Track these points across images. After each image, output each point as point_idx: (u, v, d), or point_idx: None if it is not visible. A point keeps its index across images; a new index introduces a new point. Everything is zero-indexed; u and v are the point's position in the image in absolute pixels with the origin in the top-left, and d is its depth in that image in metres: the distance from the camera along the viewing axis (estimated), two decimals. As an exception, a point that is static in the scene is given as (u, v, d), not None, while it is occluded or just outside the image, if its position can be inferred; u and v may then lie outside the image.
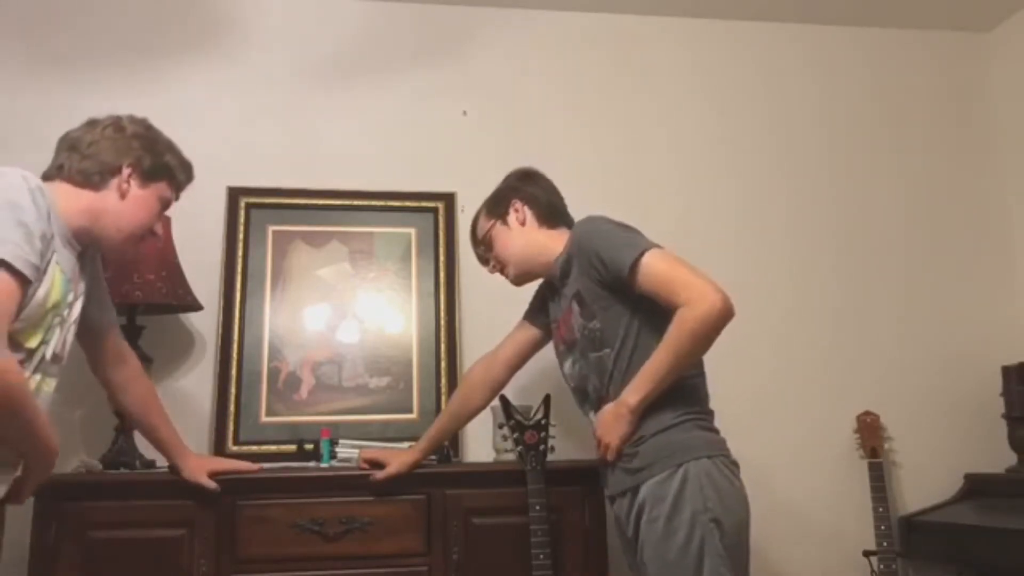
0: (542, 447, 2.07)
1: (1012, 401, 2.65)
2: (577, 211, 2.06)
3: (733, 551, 1.71)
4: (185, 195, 1.87)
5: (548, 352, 2.12)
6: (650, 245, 1.82)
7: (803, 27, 3.05)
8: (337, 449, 2.22)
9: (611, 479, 1.89)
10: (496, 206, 2.09)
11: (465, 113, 2.81)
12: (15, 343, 1.46)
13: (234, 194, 2.59)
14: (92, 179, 1.65)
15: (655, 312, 1.78)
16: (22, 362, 1.50)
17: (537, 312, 2.15)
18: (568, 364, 1.99)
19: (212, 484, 1.98)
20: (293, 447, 2.37)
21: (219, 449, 2.38)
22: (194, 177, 1.85)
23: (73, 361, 1.75)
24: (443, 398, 2.49)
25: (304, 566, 2.01)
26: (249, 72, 2.72)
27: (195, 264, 2.41)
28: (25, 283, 1.42)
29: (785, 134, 2.96)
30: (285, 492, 2.06)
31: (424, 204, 2.70)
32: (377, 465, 2.08)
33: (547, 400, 2.13)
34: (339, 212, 2.65)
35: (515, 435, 2.08)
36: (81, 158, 1.65)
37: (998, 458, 2.71)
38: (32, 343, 1.53)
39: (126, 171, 1.68)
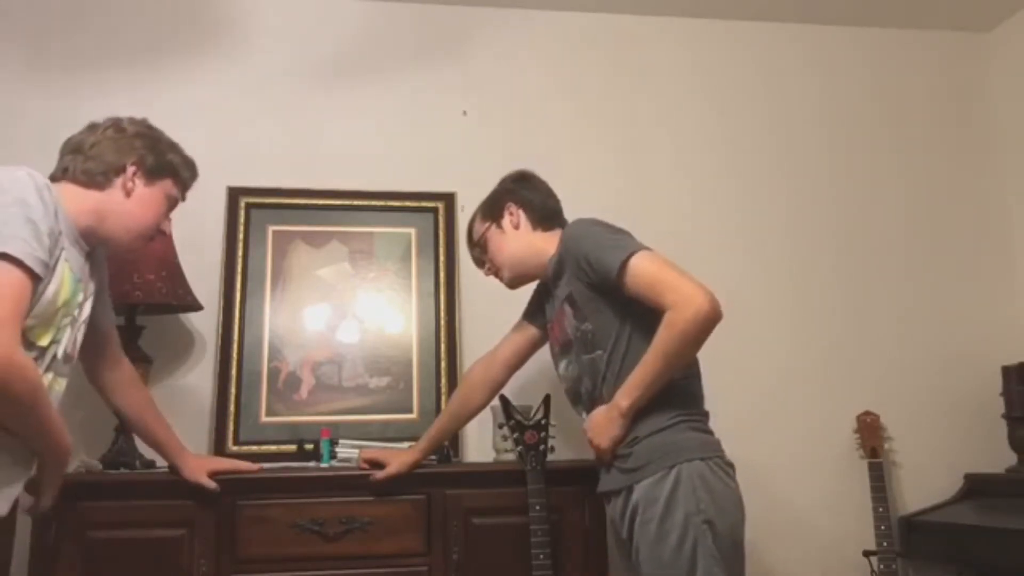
0: (542, 447, 2.07)
1: (1012, 401, 2.65)
2: (576, 212, 2.06)
3: (727, 552, 1.71)
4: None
5: (548, 352, 2.11)
6: (638, 247, 1.81)
7: (803, 27, 3.05)
8: (337, 449, 2.22)
9: (605, 477, 1.90)
10: (491, 209, 2.10)
11: (465, 113, 2.81)
12: (27, 341, 1.47)
13: (234, 194, 2.59)
14: (97, 179, 1.66)
15: (646, 314, 1.78)
16: (35, 360, 1.50)
17: (535, 312, 2.15)
18: (563, 365, 1.99)
19: (212, 484, 1.98)
20: (293, 447, 2.37)
21: (219, 449, 2.38)
22: (198, 175, 1.85)
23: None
24: (443, 398, 2.49)
25: (304, 566, 2.01)
26: (249, 72, 2.72)
27: (195, 264, 2.41)
28: (35, 279, 1.43)
29: (785, 134, 2.97)
30: (285, 492, 2.06)
31: (424, 204, 2.70)
32: (377, 465, 2.08)
33: (547, 400, 2.13)
34: (339, 212, 2.65)
35: (515, 435, 2.08)
36: (85, 159, 1.66)
37: (998, 458, 2.71)
38: (43, 341, 1.54)
39: (130, 169, 1.69)
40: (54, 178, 1.64)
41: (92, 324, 1.75)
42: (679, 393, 1.82)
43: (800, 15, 3.02)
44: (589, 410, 1.91)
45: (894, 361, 2.84)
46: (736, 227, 2.87)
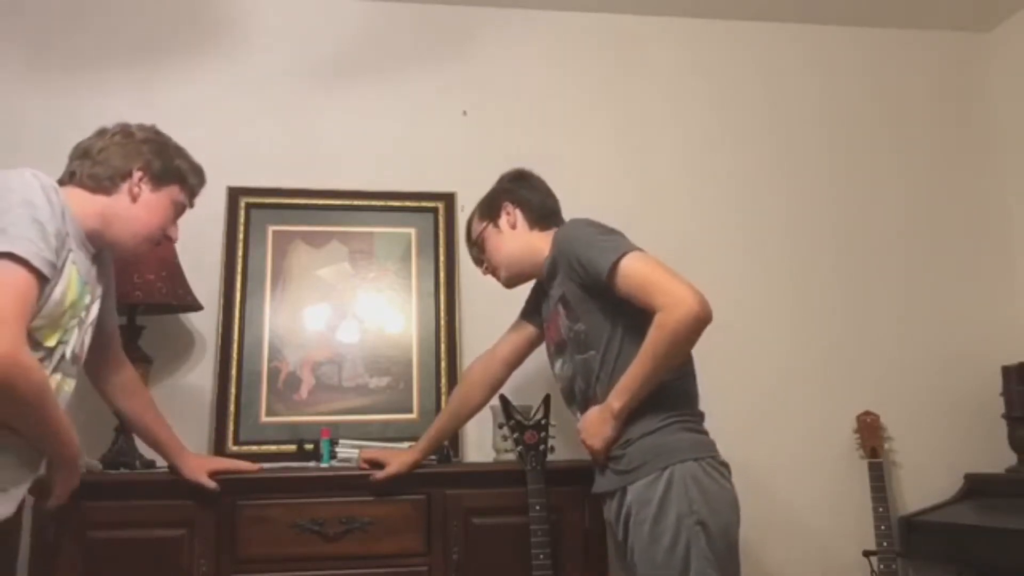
0: (542, 447, 2.07)
1: (1012, 401, 2.65)
2: (576, 211, 2.06)
3: (720, 553, 1.71)
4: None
5: (546, 352, 2.12)
6: (630, 248, 1.81)
7: (803, 27, 3.05)
8: (337, 449, 2.22)
9: (600, 479, 1.90)
10: (488, 209, 2.10)
11: (465, 113, 2.81)
12: (34, 341, 1.48)
13: (234, 194, 2.59)
14: (103, 184, 1.67)
15: (639, 314, 1.77)
16: (41, 360, 1.51)
17: (533, 310, 2.15)
18: (558, 365, 2.00)
19: (212, 483, 1.98)
20: (293, 447, 2.37)
21: (219, 449, 2.38)
22: (206, 181, 1.86)
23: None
24: (443, 398, 2.49)
25: (304, 566, 2.01)
26: (249, 72, 2.72)
27: (195, 264, 2.41)
28: (42, 280, 1.43)
29: (785, 134, 2.96)
30: (285, 492, 2.06)
31: (424, 204, 2.70)
32: (377, 465, 2.08)
33: (547, 400, 2.13)
34: (339, 212, 2.65)
35: (515, 435, 2.08)
36: (92, 164, 1.67)
37: (998, 458, 2.71)
38: (51, 342, 1.54)
39: (137, 175, 1.70)
40: (62, 182, 1.65)
41: (97, 326, 1.76)
42: (672, 394, 1.82)
43: (800, 15, 3.02)
44: (583, 410, 1.91)
45: (894, 361, 2.84)
46: (736, 227, 2.87)
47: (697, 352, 1.87)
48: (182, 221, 1.85)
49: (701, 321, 1.70)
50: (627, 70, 2.94)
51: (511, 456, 2.14)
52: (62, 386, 1.60)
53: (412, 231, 2.68)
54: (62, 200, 1.53)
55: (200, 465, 2.01)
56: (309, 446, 2.32)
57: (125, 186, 1.69)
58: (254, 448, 2.40)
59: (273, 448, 2.41)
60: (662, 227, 2.76)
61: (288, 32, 2.78)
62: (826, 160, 2.97)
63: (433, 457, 2.22)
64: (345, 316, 2.58)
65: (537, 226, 2.05)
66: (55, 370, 1.56)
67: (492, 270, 2.12)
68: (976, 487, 2.69)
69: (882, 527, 2.51)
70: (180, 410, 2.29)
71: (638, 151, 2.88)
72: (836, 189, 2.95)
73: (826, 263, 2.89)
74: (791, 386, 2.77)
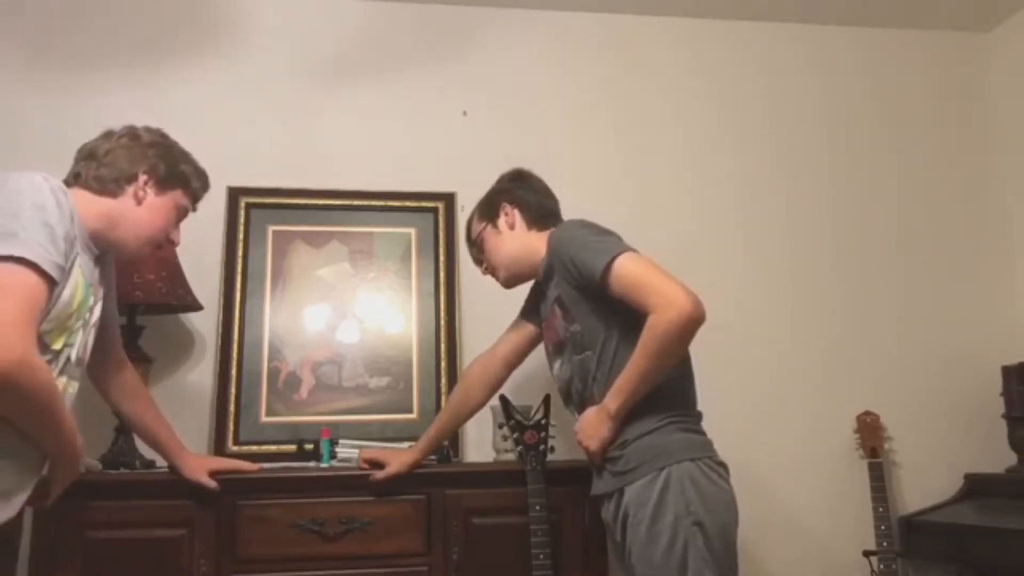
0: (542, 447, 2.07)
1: (1012, 401, 2.65)
2: (576, 212, 2.06)
3: (718, 554, 1.71)
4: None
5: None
6: (623, 249, 1.81)
7: (803, 27, 3.05)
8: (337, 449, 2.22)
9: (598, 482, 1.90)
10: (487, 209, 2.11)
11: (465, 113, 2.81)
12: (42, 344, 1.48)
13: (234, 194, 2.59)
14: (109, 186, 1.67)
15: (634, 315, 1.77)
16: (49, 363, 1.52)
17: (532, 310, 2.16)
18: (557, 366, 2.00)
19: (212, 483, 1.98)
20: (293, 447, 2.37)
21: (219, 449, 2.38)
22: (210, 186, 1.87)
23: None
24: (443, 398, 2.49)
25: (304, 566, 2.01)
26: (249, 72, 2.72)
27: (195, 264, 2.41)
28: (51, 284, 1.44)
29: (785, 134, 2.96)
30: (285, 492, 2.06)
31: (424, 204, 2.70)
32: (377, 465, 2.08)
33: (547, 400, 2.14)
34: (339, 212, 2.65)
35: (515, 435, 2.08)
36: (98, 166, 1.67)
37: (998, 458, 2.71)
38: (58, 345, 1.55)
39: (142, 178, 1.71)
40: (67, 183, 1.65)
41: (100, 326, 1.76)
42: (669, 394, 1.82)
43: (800, 15, 3.02)
44: (580, 410, 1.91)
45: (894, 361, 2.84)
46: (736, 227, 2.87)
47: (697, 352, 1.88)
48: (182, 221, 1.86)
49: (694, 322, 1.70)
50: (627, 70, 2.93)
51: (511, 456, 2.14)
52: (67, 388, 1.61)
53: (412, 231, 2.68)
54: (71, 203, 1.53)
55: (200, 465, 2.01)
56: (309, 446, 2.32)
57: (130, 189, 1.69)
58: (254, 448, 2.40)
59: (273, 448, 2.41)
60: (662, 227, 2.77)
61: (288, 32, 2.78)
62: (826, 160, 2.97)
63: (433, 457, 2.22)
64: (345, 316, 2.58)
65: (536, 226, 2.05)
66: (61, 373, 1.57)
67: (491, 270, 2.12)
68: (976, 487, 2.69)
69: (882, 527, 2.51)
70: (180, 410, 2.29)
71: (638, 151, 2.88)
72: (836, 189, 2.95)
73: (826, 263, 2.89)
74: (791, 386, 2.77)
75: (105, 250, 1.71)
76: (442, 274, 2.64)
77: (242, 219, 2.58)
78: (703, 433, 1.86)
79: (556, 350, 1.99)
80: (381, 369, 2.55)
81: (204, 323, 2.51)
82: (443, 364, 2.55)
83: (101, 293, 1.72)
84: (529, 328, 2.16)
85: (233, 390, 2.44)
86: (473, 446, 2.53)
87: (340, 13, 2.82)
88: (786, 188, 2.92)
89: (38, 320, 1.42)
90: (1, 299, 1.34)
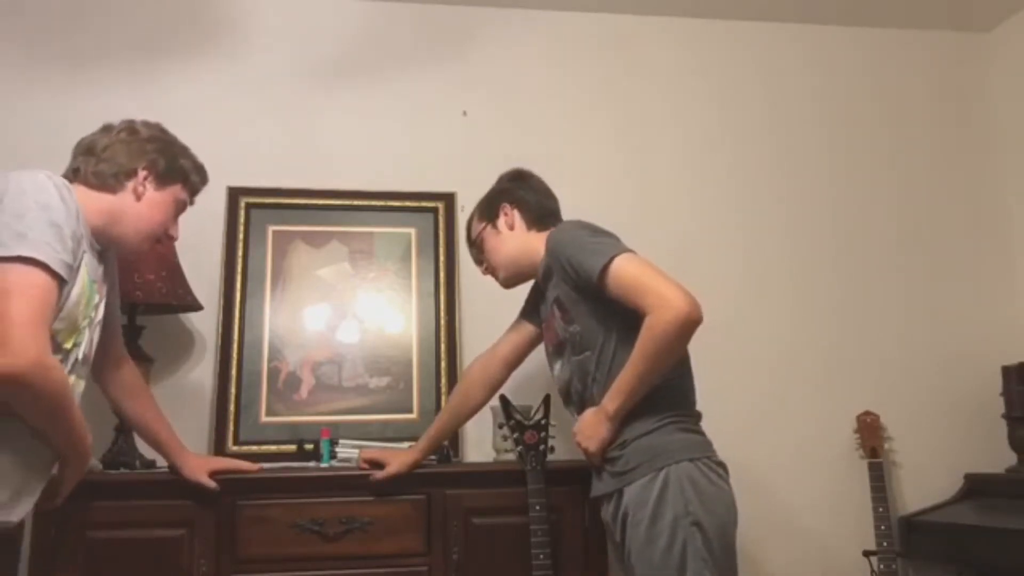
0: (542, 447, 2.07)
1: (1012, 401, 2.64)
2: (576, 212, 2.06)
3: (717, 554, 1.71)
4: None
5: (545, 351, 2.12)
6: (621, 250, 1.81)
7: (803, 27, 3.05)
8: (337, 449, 2.22)
9: (597, 483, 1.90)
10: (486, 209, 2.11)
11: (465, 113, 2.81)
12: (54, 344, 1.49)
13: (234, 194, 2.59)
14: (108, 182, 1.67)
15: (633, 315, 1.77)
16: (60, 362, 1.52)
17: (532, 310, 2.16)
18: (557, 367, 2.00)
19: (212, 483, 1.98)
20: (293, 447, 2.37)
21: (219, 449, 2.38)
22: (208, 180, 1.87)
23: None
24: (443, 398, 2.49)
25: (304, 566, 2.01)
26: (249, 72, 2.72)
27: (195, 264, 2.41)
28: (61, 283, 1.44)
29: (785, 134, 2.96)
30: (285, 492, 2.06)
31: (424, 204, 2.70)
32: (377, 465, 2.08)
33: (547, 400, 2.14)
34: (339, 212, 2.65)
35: (515, 435, 2.08)
36: (97, 161, 1.67)
37: (998, 458, 2.71)
38: (68, 344, 1.55)
39: (142, 173, 1.70)
40: (66, 178, 1.65)
41: (103, 324, 1.76)
42: (668, 394, 1.82)
43: (800, 15, 3.02)
44: (580, 411, 1.91)
45: (894, 361, 2.84)
46: (736, 227, 2.87)
47: (696, 352, 1.88)
48: (182, 221, 1.86)
49: (691, 322, 1.71)
50: (627, 70, 2.93)
51: (511, 456, 2.14)
52: (75, 387, 1.62)
53: (412, 231, 2.68)
54: (76, 200, 1.53)
55: (200, 465, 2.01)
56: (309, 446, 2.32)
57: (130, 184, 1.69)
58: (254, 448, 2.40)
59: (273, 448, 2.40)
60: (662, 227, 2.77)
61: (288, 32, 2.78)
62: (826, 160, 2.97)
63: (433, 457, 2.22)
64: (345, 316, 2.58)
65: (535, 227, 2.05)
66: (70, 371, 1.57)
67: (491, 270, 2.12)
68: (976, 487, 2.69)
69: (882, 527, 2.51)
70: (180, 410, 2.29)
71: (638, 151, 2.88)
72: (836, 189, 2.95)
73: (826, 263, 2.89)
74: (791, 386, 2.77)
75: (106, 246, 1.71)
76: (442, 274, 2.64)
77: (242, 219, 2.58)
78: (702, 433, 1.86)
79: (556, 351, 1.99)
80: (381, 369, 2.55)
81: (204, 323, 2.51)
82: (443, 364, 2.55)
83: (104, 290, 1.72)
84: (529, 328, 2.16)
85: (233, 390, 2.43)
86: (473, 446, 2.53)
87: (340, 13, 2.82)
88: (786, 188, 2.92)
89: (51, 320, 1.43)
90: (14, 301, 1.35)
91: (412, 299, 2.62)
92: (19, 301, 1.35)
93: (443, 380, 2.53)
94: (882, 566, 2.47)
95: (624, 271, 1.77)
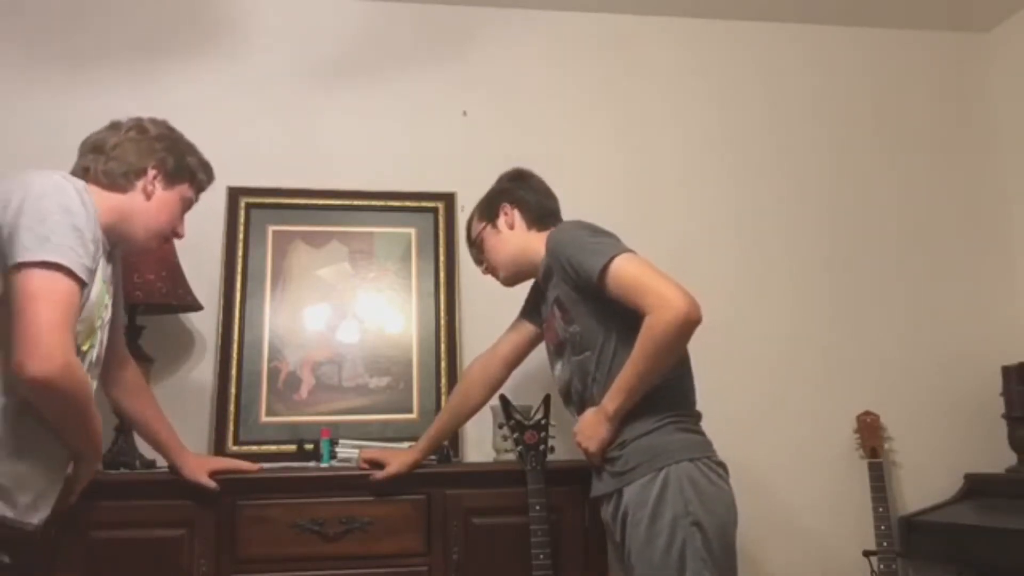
0: (542, 447, 2.07)
1: (1012, 401, 2.64)
2: (576, 211, 2.06)
3: (716, 554, 1.71)
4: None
5: (545, 351, 2.11)
6: (620, 250, 1.81)
7: (803, 27, 3.05)
8: (337, 449, 2.22)
9: (597, 483, 1.90)
10: (486, 209, 2.11)
11: (465, 113, 2.81)
12: (76, 347, 1.49)
13: (234, 194, 2.59)
14: (118, 181, 1.67)
15: (633, 315, 1.77)
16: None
17: (532, 310, 2.16)
18: (558, 367, 2.00)
19: (212, 483, 1.98)
20: (293, 447, 2.36)
21: (219, 449, 2.38)
22: (214, 178, 1.87)
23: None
24: (443, 398, 2.49)
25: (304, 566, 2.01)
26: (249, 72, 2.72)
27: (195, 264, 2.41)
28: (83, 287, 1.45)
29: (785, 134, 2.96)
30: (285, 492, 2.06)
31: (424, 204, 2.70)
32: (377, 465, 2.08)
33: (547, 400, 2.14)
34: (339, 212, 2.65)
35: (515, 435, 2.08)
36: (106, 160, 1.67)
37: (998, 458, 2.71)
38: (85, 346, 1.57)
39: (151, 172, 1.71)
40: (75, 176, 1.65)
41: (110, 324, 1.77)
42: (668, 394, 1.82)
43: (800, 15, 3.02)
44: (580, 411, 1.91)
45: (894, 361, 2.84)
46: (736, 227, 2.87)
47: (696, 352, 1.88)
48: (186, 213, 1.86)
49: (690, 323, 1.71)
50: (627, 70, 2.93)
51: (511, 456, 2.14)
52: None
53: (412, 231, 2.68)
54: (93, 203, 1.53)
55: (200, 465, 2.01)
56: (309, 446, 2.32)
57: (139, 184, 1.69)
58: (254, 448, 2.40)
59: (273, 448, 2.40)
60: (662, 227, 2.77)
61: (288, 32, 2.78)
62: (826, 160, 2.97)
63: (433, 457, 2.22)
64: (345, 316, 2.58)
65: (535, 226, 2.05)
66: (87, 372, 1.58)
67: (491, 270, 2.13)
68: (976, 487, 2.69)
69: (882, 527, 2.51)
70: (180, 410, 2.29)
71: (637, 151, 2.88)
72: (836, 189, 2.95)
73: (826, 263, 2.89)
74: (791, 386, 2.77)
75: (115, 246, 1.71)
76: (442, 274, 2.64)
77: (242, 219, 2.58)
78: (702, 433, 1.86)
79: (556, 351, 1.99)
80: (381, 369, 2.55)
81: (204, 323, 2.51)
82: (443, 364, 2.55)
83: (112, 290, 1.73)
84: (529, 328, 2.16)
85: (233, 390, 2.43)
86: (473, 446, 2.53)
87: (340, 13, 2.82)
88: (786, 188, 2.92)
89: (75, 324, 1.44)
90: (42, 306, 1.37)
91: (412, 299, 2.62)
92: (47, 306, 1.37)
93: (443, 380, 2.53)
94: (882, 566, 2.47)
95: (624, 271, 1.77)
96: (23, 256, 1.39)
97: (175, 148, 1.75)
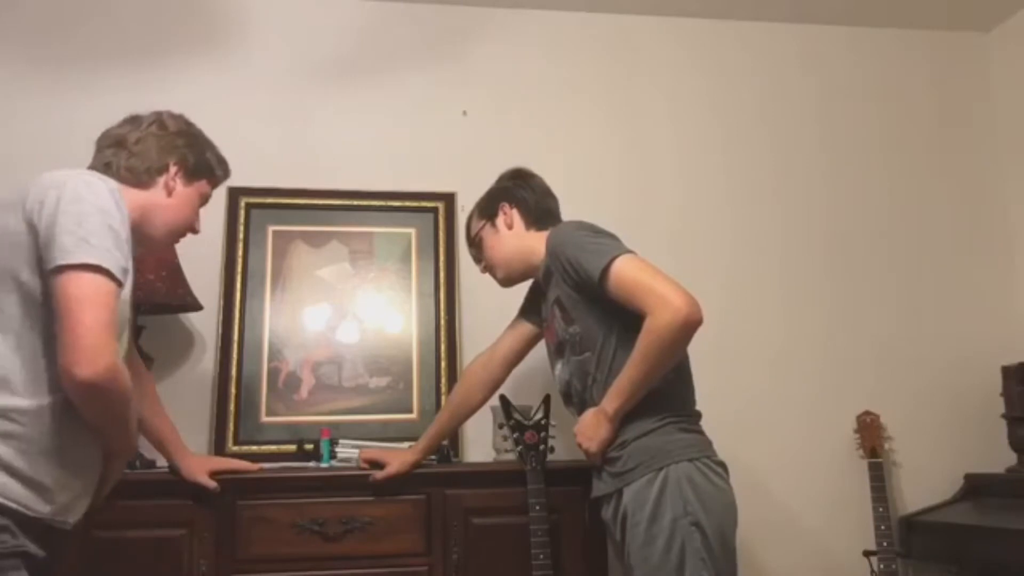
0: (542, 447, 2.07)
1: (1012, 401, 2.64)
2: (576, 211, 2.06)
3: (716, 554, 1.71)
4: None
5: (546, 351, 2.11)
6: (621, 251, 1.81)
7: (803, 27, 3.05)
8: (337, 449, 2.22)
9: (597, 484, 1.90)
10: (485, 208, 2.11)
11: (465, 113, 2.81)
12: None
13: (234, 194, 2.59)
14: (141, 177, 1.66)
15: (633, 316, 1.77)
16: None
17: (531, 309, 2.16)
18: (559, 367, 2.00)
19: (212, 483, 1.98)
20: (293, 447, 2.36)
21: (219, 449, 2.38)
22: (230, 173, 1.87)
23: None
24: (443, 398, 2.49)
25: (304, 566, 2.01)
26: (249, 72, 2.72)
27: (195, 264, 2.41)
28: (120, 288, 1.45)
29: (784, 134, 2.96)
30: (285, 492, 2.06)
31: (424, 204, 2.70)
32: (377, 465, 2.08)
33: (547, 400, 2.14)
34: (339, 212, 2.65)
35: (515, 435, 2.08)
36: (128, 155, 1.66)
37: (998, 458, 2.71)
38: (119, 346, 1.56)
39: (173, 169, 1.70)
40: (95, 170, 1.64)
41: None
42: (667, 394, 1.82)
43: (800, 15, 3.02)
44: (580, 411, 1.91)
45: (894, 361, 2.84)
46: (735, 226, 2.87)
47: (696, 352, 1.88)
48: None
49: (691, 324, 1.70)
50: (626, 70, 2.94)
51: (511, 456, 2.14)
52: None
53: (412, 231, 2.68)
54: (124, 202, 1.53)
55: (199, 465, 2.01)
56: (309, 446, 2.32)
57: (161, 180, 1.68)
58: (254, 448, 2.40)
59: (273, 448, 2.41)
60: (661, 226, 2.77)
61: (288, 32, 2.78)
62: (825, 160, 2.97)
63: (433, 457, 2.22)
64: (345, 316, 2.58)
65: (534, 226, 2.05)
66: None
67: (489, 269, 2.12)
68: (976, 487, 2.69)
69: (882, 527, 2.51)
70: (180, 410, 2.27)
71: (637, 150, 2.88)
72: (836, 189, 2.95)
73: (826, 263, 2.89)
74: (791, 386, 2.77)
75: (137, 243, 1.71)
76: (442, 274, 2.64)
77: (242, 219, 2.58)
78: (702, 433, 1.85)
79: (556, 351, 1.99)
80: (381, 369, 2.55)
81: (204, 323, 2.51)
82: (443, 364, 2.55)
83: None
84: (528, 327, 2.16)
85: (233, 390, 2.44)
86: (473, 446, 2.53)
87: (340, 13, 2.82)
88: (786, 188, 2.92)
89: (117, 326, 1.45)
90: (87, 309, 1.37)
91: (412, 299, 2.62)
92: (91, 309, 1.37)
93: (443, 380, 2.53)
94: (882, 566, 2.47)
95: (625, 272, 1.77)
96: (64, 259, 1.39)
97: (195, 144, 1.75)
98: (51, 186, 1.45)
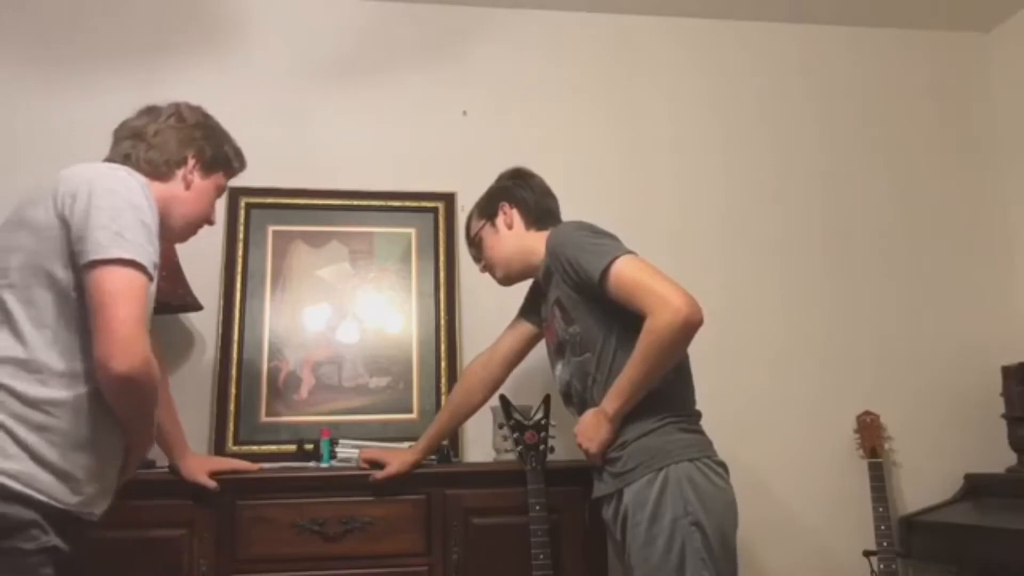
0: (542, 447, 2.07)
1: (1012, 401, 2.64)
2: (576, 211, 2.06)
3: (716, 554, 1.71)
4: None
5: (546, 351, 2.11)
6: (621, 252, 1.81)
7: (802, 27, 3.05)
8: (337, 449, 2.23)
9: (598, 484, 1.90)
10: (485, 208, 2.11)
11: (465, 113, 2.81)
12: None
13: (234, 194, 2.59)
14: (160, 169, 1.66)
15: (633, 317, 1.77)
16: None
17: (531, 309, 2.16)
18: (559, 367, 2.00)
19: (212, 483, 1.98)
20: (293, 447, 2.36)
21: (219, 449, 2.38)
22: (246, 165, 1.87)
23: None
24: (443, 398, 2.49)
25: (304, 566, 2.01)
26: (249, 72, 2.72)
27: (195, 264, 2.41)
28: (151, 282, 1.47)
29: (784, 134, 2.96)
30: (285, 492, 2.06)
31: (424, 204, 2.70)
32: (377, 465, 2.08)
33: (547, 400, 2.14)
34: (339, 212, 2.65)
35: (515, 435, 2.08)
36: (148, 148, 1.66)
37: (998, 458, 2.71)
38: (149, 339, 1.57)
39: (191, 162, 1.70)
40: (113, 162, 1.64)
41: None
42: (667, 395, 1.82)
43: (799, 15, 3.02)
44: (580, 412, 1.91)
45: (894, 361, 2.84)
46: (734, 226, 2.87)
47: (696, 352, 1.88)
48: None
49: (691, 325, 1.70)
50: (626, 70, 2.94)
51: (511, 456, 2.14)
52: None
53: (412, 231, 2.68)
54: (152, 196, 1.53)
55: (199, 464, 2.01)
56: (309, 446, 2.32)
57: (180, 173, 1.69)
58: (254, 448, 2.40)
59: (273, 448, 2.41)
60: (661, 226, 2.77)
61: (288, 32, 2.78)
62: (825, 159, 2.97)
63: (433, 457, 2.22)
64: (345, 316, 2.58)
65: (534, 226, 2.05)
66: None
67: (488, 268, 2.12)
68: (976, 487, 2.69)
69: (882, 527, 2.51)
70: (180, 410, 2.27)
71: (637, 150, 2.88)
72: (835, 189, 2.95)
73: (825, 262, 2.89)
74: (790, 386, 2.77)
75: (159, 236, 1.71)
76: (442, 274, 2.64)
77: (242, 219, 2.58)
78: (702, 433, 1.86)
79: (557, 351, 1.99)
80: (381, 369, 2.55)
81: (204, 323, 2.51)
82: (443, 364, 2.55)
83: None
84: (528, 327, 2.16)
85: (233, 390, 2.44)
86: (473, 446, 2.53)
87: (340, 13, 2.82)
88: (786, 188, 2.92)
89: (149, 320, 1.46)
90: (122, 304, 1.38)
91: (412, 299, 2.62)
92: (126, 303, 1.39)
93: (443, 380, 2.53)
94: (882, 566, 2.47)
95: (625, 273, 1.77)
96: (99, 253, 1.40)
97: (213, 136, 1.76)
98: (82, 180, 1.46)
